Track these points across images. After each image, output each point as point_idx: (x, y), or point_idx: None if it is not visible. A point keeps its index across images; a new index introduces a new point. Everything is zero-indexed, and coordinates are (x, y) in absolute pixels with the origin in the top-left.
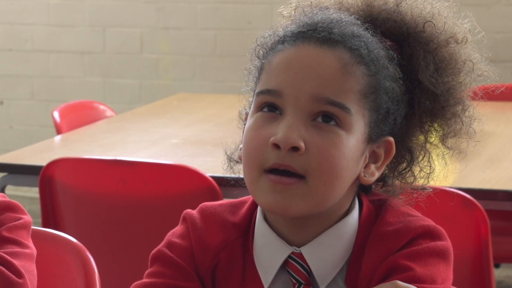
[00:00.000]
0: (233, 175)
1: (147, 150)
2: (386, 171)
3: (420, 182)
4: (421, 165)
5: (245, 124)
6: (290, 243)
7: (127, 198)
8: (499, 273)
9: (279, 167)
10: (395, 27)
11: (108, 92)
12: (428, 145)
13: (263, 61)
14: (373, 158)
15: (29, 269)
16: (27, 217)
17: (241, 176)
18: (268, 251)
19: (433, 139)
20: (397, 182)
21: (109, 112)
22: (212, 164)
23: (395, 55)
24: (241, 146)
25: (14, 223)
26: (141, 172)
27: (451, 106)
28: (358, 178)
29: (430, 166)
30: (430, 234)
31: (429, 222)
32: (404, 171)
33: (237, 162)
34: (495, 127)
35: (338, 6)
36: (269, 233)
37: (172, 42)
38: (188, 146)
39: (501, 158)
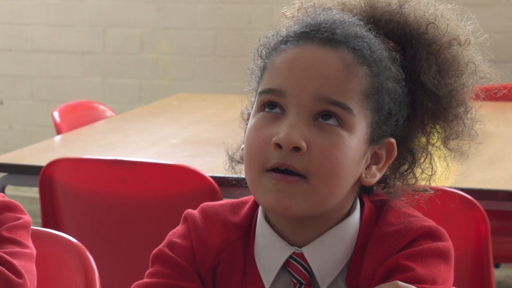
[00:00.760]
0: (234, 175)
1: (147, 150)
2: (388, 173)
3: (422, 183)
4: (422, 167)
5: (247, 124)
6: (291, 243)
7: (127, 198)
8: (499, 273)
9: (280, 167)
10: (398, 29)
11: (108, 92)
12: (430, 147)
13: (265, 61)
14: (375, 159)
15: (29, 269)
16: (27, 217)
17: (242, 176)
18: (269, 251)
19: (435, 141)
20: (398, 184)
21: (109, 112)
22: (212, 164)
23: (397, 56)
24: (243, 146)
25: (14, 223)
26: (141, 172)
27: (453, 108)
28: (359, 179)
29: (432, 168)
30: (431, 235)
31: (431, 222)
32: (405, 173)
33: (238, 162)
34: (495, 127)
35: (341, 7)
36: (270, 233)
37: (172, 42)
38: (188, 146)
39: (501, 158)
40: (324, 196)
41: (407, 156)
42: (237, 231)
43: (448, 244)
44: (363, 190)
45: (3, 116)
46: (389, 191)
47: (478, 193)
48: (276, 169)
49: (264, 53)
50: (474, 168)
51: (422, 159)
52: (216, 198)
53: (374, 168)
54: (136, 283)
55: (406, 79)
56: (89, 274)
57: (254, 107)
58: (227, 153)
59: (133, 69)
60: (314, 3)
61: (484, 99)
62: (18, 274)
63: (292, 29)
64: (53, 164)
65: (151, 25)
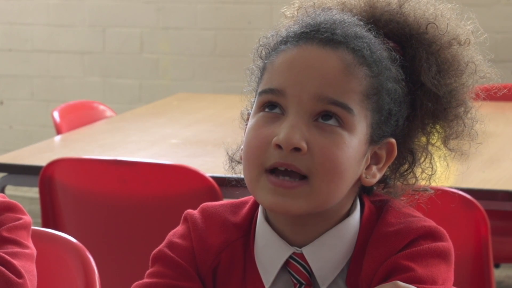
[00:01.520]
0: (234, 176)
1: (147, 150)
2: (388, 172)
3: (422, 183)
4: (422, 166)
5: (246, 124)
6: (291, 243)
7: (127, 198)
8: (499, 273)
9: (280, 166)
10: (398, 28)
11: (108, 92)
12: (430, 147)
13: (265, 62)
14: (375, 159)
15: (29, 269)
16: (27, 217)
17: (242, 176)
18: (269, 251)
19: (435, 140)
20: (398, 184)
21: (109, 112)
22: (212, 164)
23: (397, 57)
24: (242, 146)
25: (14, 223)
26: (141, 172)
27: (453, 108)
28: (359, 179)
29: (432, 168)
30: (431, 235)
31: (431, 223)
32: (405, 173)
33: (238, 162)
34: (495, 127)
35: (341, 7)
36: (270, 233)
37: (172, 42)
38: (188, 146)
39: (501, 158)
40: (325, 196)
41: (407, 156)
42: (237, 231)
43: (448, 244)
44: (363, 190)
45: (3, 116)
46: (389, 191)
47: (478, 193)
48: (275, 170)
49: (264, 53)
50: (474, 168)
51: (422, 159)
52: (216, 198)
53: (374, 168)
54: (136, 283)
55: (406, 79)
56: (89, 274)
57: (253, 107)
58: (227, 153)
59: (133, 69)
60: (314, 3)
61: (484, 99)
62: (18, 274)
63: (291, 29)
64: (53, 164)
65: (151, 25)
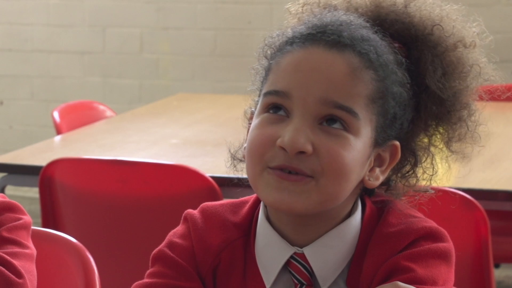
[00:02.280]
0: (234, 175)
1: (147, 150)
2: (390, 173)
3: (423, 183)
4: (424, 167)
5: (249, 123)
6: (292, 243)
7: (127, 198)
8: (499, 273)
9: (285, 169)
10: (404, 29)
11: (108, 92)
12: (431, 148)
13: (270, 62)
14: (378, 161)
15: (29, 269)
16: (27, 218)
17: (244, 176)
18: (270, 251)
19: (438, 142)
20: (399, 184)
21: (109, 112)
22: (212, 164)
23: (403, 60)
24: (245, 145)
25: (14, 223)
26: (141, 172)
27: (457, 110)
28: (362, 181)
29: (433, 168)
30: (432, 236)
31: (431, 223)
32: (407, 174)
33: (240, 160)
34: (495, 127)
35: (347, 5)
36: (272, 233)
37: (172, 42)
38: (188, 146)
39: (501, 158)
40: (329, 196)
41: (409, 157)
42: (237, 231)
43: (449, 245)
44: (364, 191)
45: (3, 116)
46: (391, 192)
47: (478, 193)
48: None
49: (269, 53)
50: (474, 168)
51: (424, 159)
52: (216, 198)
53: (377, 170)
54: (136, 283)
55: (411, 82)
56: (89, 274)
57: (258, 107)
58: (229, 151)
59: (133, 69)
60: (319, 1)
61: (486, 100)
62: (18, 274)
63: (298, 30)
64: (53, 164)
65: (151, 25)
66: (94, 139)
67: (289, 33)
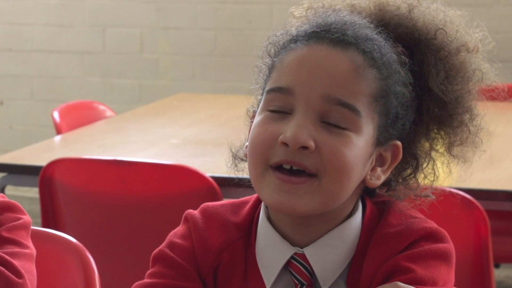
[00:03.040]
0: (234, 176)
1: (147, 150)
2: (391, 176)
3: (424, 188)
4: (425, 172)
5: (251, 122)
6: (292, 243)
7: (127, 198)
8: (499, 273)
9: (287, 164)
10: (407, 33)
11: (108, 92)
12: (433, 153)
13: (274, 60)
14: (380, 161)
15: (29, 269)
16: (27, 217)
17: (244, 176)
18: (271, 252)
19: (439, 147)
20: (400, 188)
21: (109, 112)
22: (212, 164)
23: (407, 60)
24: (247, 144)
25: (14, 223)
26: (141, 172)
27: (459, 114)
28: (363, 180)
29: (434, 174)
30: (432, 236)
31: (432, 224)
32: (408, 177)
33: (242, 159)
34: (495, 127)
35: (351, 9)
36: (272, 233)
37: (172, 42)
38: (188, 146)
39: (501, 158)
40: (331, 195)
41: (410, 160)
42: (238, 231)
43: (449, 245)
44: (365, 192)
45: (3, 116)
46: (392, 194)
47: (478, 193)
48: (280, 167)
49: (273, 51)
50: (474, 168)
51: (425, 164)
52: (216, 198)
53: (379, 170)
54: (136, 283)
55: (414, 84)
56: (89, 274)
57: (260, 104)
58: (231, 150)
59: (133, 69)
60: (323, 4)
61: (485, 100)
62: (18, 274)
63: (302, 28)
64: (53, 164)
65: (151, 25)
66: (94, 139)
67: (293, 31)
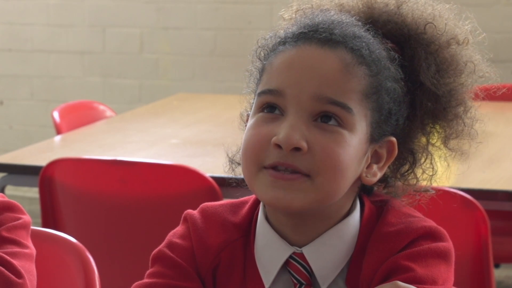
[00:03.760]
0: (234, 176)
1: (147, 150)
2: (389, 173)
3: (423, 184)
4: (423, 167)
5: (246, 126)
6: (291, 243)
7: (127, 198)
8: (499, 273)
9: (280, 166)
10: (396, 29)
11: (108, 92)
12: (430, 147)
13: (264, 62)
14: (375, 158)
15: (28, 269)
16: (27, 217)
17: (242, 176)
18: (270, 251)
19: (435, 140)
20: (399, 184)
21: (109, 112)
22: (212, 164)
23: (396, 56)
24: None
25: (14, 223)
26: (141, 172)
27: (453, 107)
28: (360, 178)
29: (433, 168)
30: (431, 235)
31: (431, 223)
32: (406, 173)
33: (238, 164)
34: (495, 127)
35: (339, 8)
36: (271, 233)
37: (172, 42)
38: (188, 146)
39: (501, 158)
40: (326, 194)
41: (407, 156)
42: (237, 231)
43: (448, 244)
44: (363, 191)
45: (3, 116)
46: (390, 191)
47: (478, 193)
48: (274, 167)
49: (263, 54)
50: (474, 168)
51: (423, 159)
52: (216, 198)
53: (375, 167)
54: (136, 283)
55: (405, 79)
56: (89, 274)
57: (253, 108)
58: (227, 155)
59: (133, 69)
60: (312, 5)
61: (483, 99)
62: (18, 274)
63: (290, 30)
64: (53, 164)
65: (151, 25)
66: (94, 139)
67: (282, 33)
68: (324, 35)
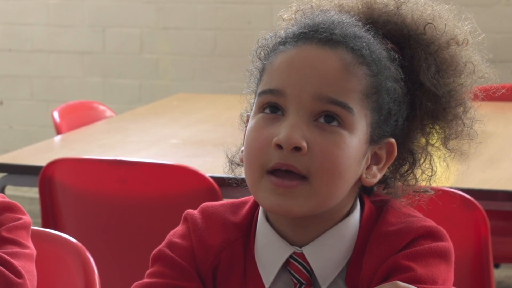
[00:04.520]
0: (234, 176)
1: (147, 150)
2: (388, 173)
3: (422, 184)
4: (423, 167)
5: (246, 126)
6: (291, 243)
7: (127, 198)
8: (499, 273)
9: (281, 167)
10: (396, 30)
11: (108, 92)
12: (429, 148)
13: (264, 62)
14: (375, 159)
15: (28, 270)
16: (27, 218)
17: (242, 176)
18: (270, 251)
19: (435, 141)
20: (399, 184)
21: (109, 112)
22: (212, 164)
23: (396, 56)
24: (243, 148)
25: (14, 223)
26: (141, 172)
27: (453, 107)
28: (360, 179)
29: (432, 169)
30: (431, 235)
31: (431, 223)
32: (406, 174)
33: (238, 165)
34: (495, 127)
35: (339, 9)
36: (271, 233)
37: (172, 42)
38: (188, 146)
39: (501, 158)
40: (325, 196)
41: (407, 157)
42: (237, 231)
43: (448, 244)
44: (363, 191)
45: (3, 116)
46: (390, 191)
47: (478, 193)
48: (276, 171)
49: (263, 54)
50: (474, 168)
51: (422, 160)
52: (216, 198)
53: (374, 168)
54: (136, 283)
55: (405, 79)
56: (89, 274)
57: (253, 108)
58: (227, 156)
59: (133, 69)
60: (312, 5)
61: (483, 99)
62: (18, 274)
63: (290, 30)
64: (53, 164)
65: (151, 25)
66: (94, 139)
67: (282, 33)
68: (324, 35)
